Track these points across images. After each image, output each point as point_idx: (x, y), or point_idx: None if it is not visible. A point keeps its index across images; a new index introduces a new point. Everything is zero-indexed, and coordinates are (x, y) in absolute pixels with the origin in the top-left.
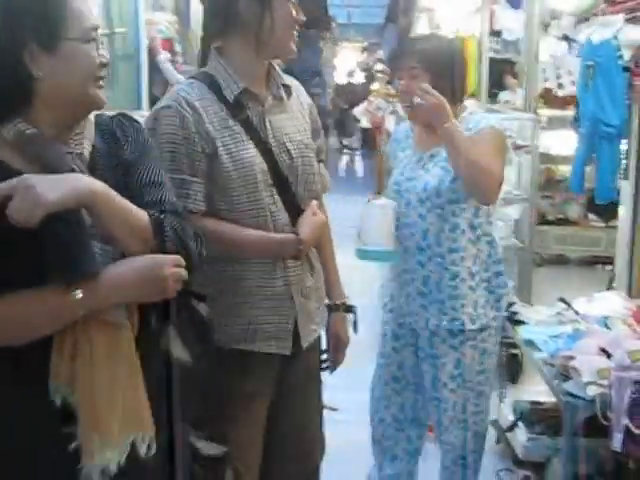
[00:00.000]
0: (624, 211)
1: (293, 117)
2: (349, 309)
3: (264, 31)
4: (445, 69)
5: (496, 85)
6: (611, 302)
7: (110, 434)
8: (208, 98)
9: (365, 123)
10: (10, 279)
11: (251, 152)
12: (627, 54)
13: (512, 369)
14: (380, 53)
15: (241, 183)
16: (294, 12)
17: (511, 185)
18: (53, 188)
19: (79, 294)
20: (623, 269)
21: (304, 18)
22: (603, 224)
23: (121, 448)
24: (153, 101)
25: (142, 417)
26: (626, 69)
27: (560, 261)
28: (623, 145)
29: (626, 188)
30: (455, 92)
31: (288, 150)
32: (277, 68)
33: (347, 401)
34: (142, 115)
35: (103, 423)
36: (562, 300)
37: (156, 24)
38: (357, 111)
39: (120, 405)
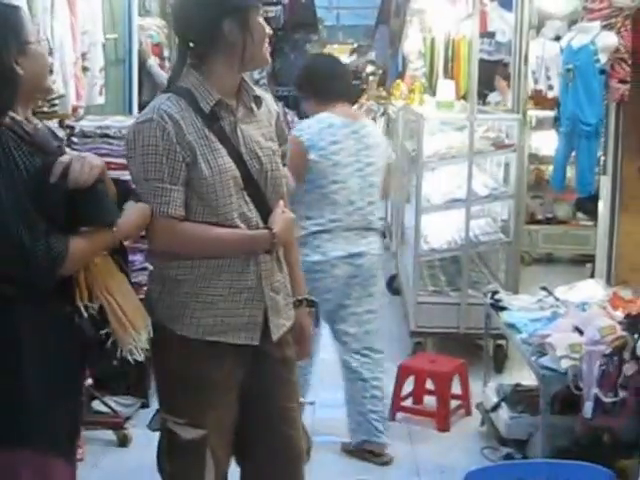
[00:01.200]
0: (603, 204)
1: (262, 126)
2: (311, 304)
3: (247, 51)
4: (302, 81)
5: (488, 86)
6: (590, 290)
7: (136, 320)
8: (186, 110)
9: None
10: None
11: (225, 159)
12: (603, 58)
13: (497, 359)
14: (371, 55)
15: (217, 188)
16: (266, 28)
17: (498, 182)
18: (93, 159)
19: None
20: (603, 259)
21: (271, 32)
22: (591, 223)
23: (146, 330)
24: (142, 106)
25: (144, 311)
26: (602, 71)
27: (549, 260)
28: None
29: (605, 182)
30: (317, 96)
31: (258, 157)
32: (247, 81)
33: None
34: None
35: (129, 314)
36: (544, 288)
37: (147, 30)
38: None
39: (132, 304)
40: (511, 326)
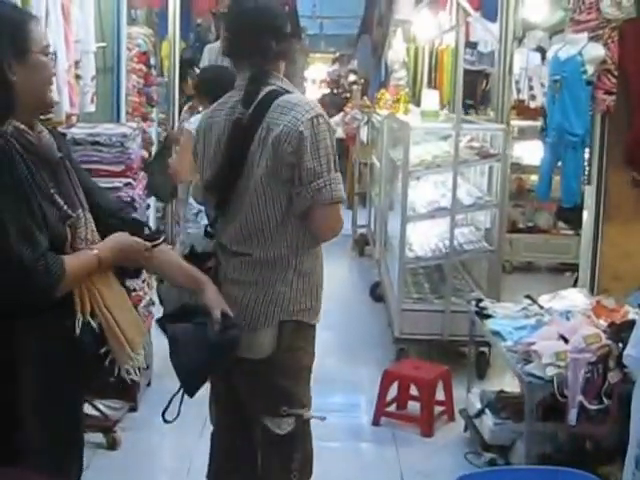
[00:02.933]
0: (587, 214)
1: None
2: None
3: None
4: (205, 87)
5: (471, 96)
6: (574, 298)
7: (134, 341)
8: None
9: (340, 133)
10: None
11: None
12: (590, 69)
13: (480, 366)
14: (354, 64)
15: None
16: None
17: (482, 192)
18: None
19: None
20: (586, 268)
21: None
22: (572, 232)
23: (142, 349)
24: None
25: (141, 326)
26: (589, 83)
27: (530, 268)
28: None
29: (589, 192)
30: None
31: None
32: None
33: None
34: (131, 127)
35: (127, 332)
36: (528, 297)
37: (134, 38)
38: (333, 121)
39: (130, 320)
40: (496, 334)
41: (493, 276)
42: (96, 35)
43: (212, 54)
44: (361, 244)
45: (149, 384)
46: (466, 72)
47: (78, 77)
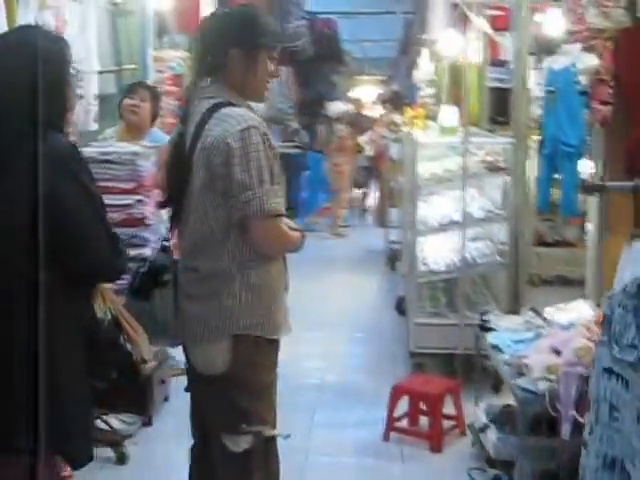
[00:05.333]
0: (591, 225)
1: None
2: None
3: (247, 82)
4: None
5: (501, 113)
6: (579, 310)
7: (139, 330)
8: None
9: (369, 151)
10: None
11: None
12: (584, 79)
13: (496, 379)
14: (395, 85)
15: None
16: (272, 67)
17: (495, 205)
18: None
19: None
20: (592, 279)
21: (279, 74)
22: None
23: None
24: None
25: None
26: (583, 93)
27: (559, 281)
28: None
29: (592, 203)
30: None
31: None
32: None
33: None
34: (145, 145)
35: (132, 323)
36: (533, 309)
37: (167, 61)
38: (362, 140)
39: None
40: (494, 347)
41: (511, 290)
42: (126, 57)
43: None
44: (393, 260)
45: (166, 399)
46: (496, 89)
47: (80, 96)
